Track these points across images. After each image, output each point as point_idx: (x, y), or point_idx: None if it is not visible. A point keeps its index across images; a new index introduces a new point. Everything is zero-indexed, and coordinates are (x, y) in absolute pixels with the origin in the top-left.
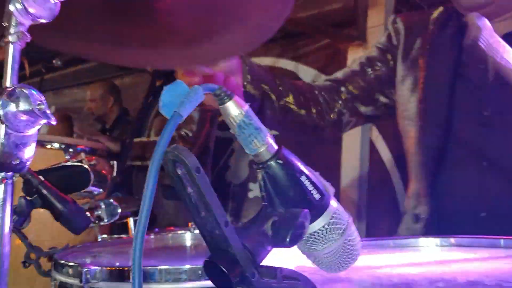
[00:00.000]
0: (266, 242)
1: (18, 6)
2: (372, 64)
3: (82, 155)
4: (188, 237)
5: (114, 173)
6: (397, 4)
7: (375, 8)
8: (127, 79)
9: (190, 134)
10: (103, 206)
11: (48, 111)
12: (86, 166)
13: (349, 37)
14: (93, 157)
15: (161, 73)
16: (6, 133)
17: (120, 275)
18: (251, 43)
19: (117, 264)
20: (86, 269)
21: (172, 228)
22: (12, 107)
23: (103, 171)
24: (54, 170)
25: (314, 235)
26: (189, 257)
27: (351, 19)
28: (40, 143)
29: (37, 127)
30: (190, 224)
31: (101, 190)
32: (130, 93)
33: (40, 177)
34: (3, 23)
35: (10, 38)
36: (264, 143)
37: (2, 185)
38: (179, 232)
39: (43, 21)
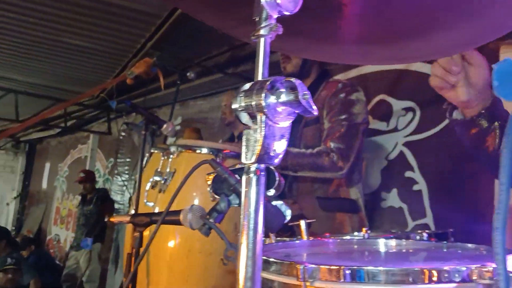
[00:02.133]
0: None
1: None
2: None
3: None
4: (381, 243)
5: None
6: None
7: None
8: None
9: (342, 146)
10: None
11: (311, 102)
12: (273, 168)
13: None
14: None
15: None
16: (266, 125)
17: (337, 274)
18: (474, 42)
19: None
20: (303, 266)
21: (328, 234)
22: (272, 99)
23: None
24: (238, 171)
25: None
26: (384, 261)
27: None
28: (190, 148)
29: (290, 120)
30: (364, 230)
31: (274, 191)
32: None
33: (237, 176)
34: (254, 18)
35: (262, 31)
36: None
37: (255, 177)
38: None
39: (287, 13)
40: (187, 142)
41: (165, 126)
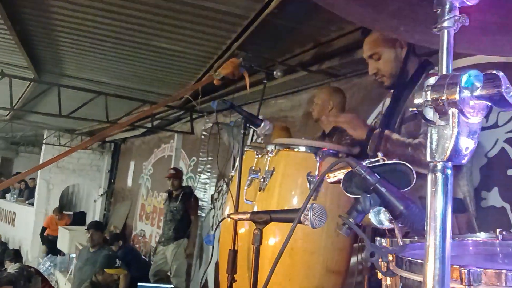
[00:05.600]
0: None
1: None
2: None
3: (379, 154)
4: None
5: None
6: None
7: None
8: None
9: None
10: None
11: None
12: (409, 166)
13: None
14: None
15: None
16: (459, 121)
17: (503, 278)
18: None
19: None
20: (467, 270)
21: None
22: (466, 93)
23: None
24: (377, 167)
25: None
26: None
27: None
28: (288, 146)
29: (482, 115)
30: (498, 230)
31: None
32: None
33: (376, 175)
34: (435, 10)
35: (446, 23)
36: None
37: (442, 176)
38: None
39: (469, 3)
40: (285, 141)
41: (262, 124)
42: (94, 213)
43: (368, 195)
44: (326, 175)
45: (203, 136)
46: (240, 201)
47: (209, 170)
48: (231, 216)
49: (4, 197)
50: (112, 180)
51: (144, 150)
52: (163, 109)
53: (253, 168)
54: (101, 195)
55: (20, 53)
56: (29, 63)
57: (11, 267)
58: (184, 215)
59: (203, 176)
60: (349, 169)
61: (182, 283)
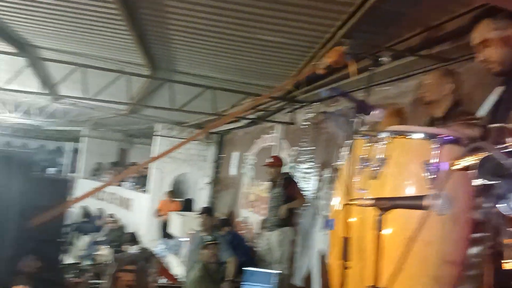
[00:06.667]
0: None
1: None
2: None
3: (510, 140)
4: None
5: None
6: None
7: None
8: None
9: None
10: None
11: None
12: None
13: None
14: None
15: None
16: None
17: None
18: None
19: None
20: None
21: None
22: None
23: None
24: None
25: None
26: None
27: None
28: (402, 134)
29: None
30: None
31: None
32: None
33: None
34: None
35: None
36: None
37: None
38: None
39: None
40: (399, 128)
41: (376, 112)
42: (201, 201)
43: (506, 181)
44: (453, 163)
45: (305, 126)
46: (351, 189)
47: (311, 160)
48: (353, 202)
49: (120, 185)
50: (217, 169)
51: (247, 141)
52: (265, 100)
53: (363, 156)
54: (207, 183)
55: (138, 52)
56: (146, 61)
57: (131, 249)
58: (286, 200)
59: (305, 166)
60: (476, 157)
61: (285, 269)
